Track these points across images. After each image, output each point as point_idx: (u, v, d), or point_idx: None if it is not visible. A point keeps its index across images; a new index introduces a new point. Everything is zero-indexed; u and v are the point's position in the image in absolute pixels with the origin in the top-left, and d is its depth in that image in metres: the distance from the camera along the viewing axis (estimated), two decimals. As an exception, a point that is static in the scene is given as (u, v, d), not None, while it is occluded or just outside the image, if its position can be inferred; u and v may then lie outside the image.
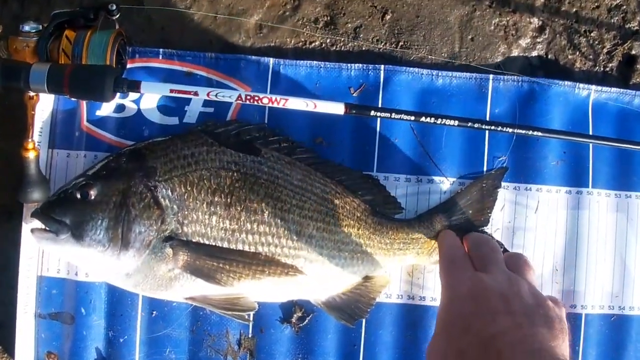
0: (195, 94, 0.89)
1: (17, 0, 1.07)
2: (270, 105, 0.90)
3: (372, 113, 0.90)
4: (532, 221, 1.04)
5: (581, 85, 1.06)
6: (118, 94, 0.94)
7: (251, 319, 1.00)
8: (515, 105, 1.05)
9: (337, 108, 0.90)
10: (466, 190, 1.02)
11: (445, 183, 1.03)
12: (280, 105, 0.90)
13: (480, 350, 0.73)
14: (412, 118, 0.90)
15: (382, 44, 1.06)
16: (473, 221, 1.02)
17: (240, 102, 0.91)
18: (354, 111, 0.90)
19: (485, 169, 1.04)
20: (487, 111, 1.05)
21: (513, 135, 1.03)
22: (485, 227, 1.03)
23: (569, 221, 1.05)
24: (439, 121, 0.91)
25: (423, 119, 0.91)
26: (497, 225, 1.04)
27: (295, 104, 0.90)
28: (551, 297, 0.84)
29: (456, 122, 0.91)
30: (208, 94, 0.90)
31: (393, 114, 0.90)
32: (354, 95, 1.03)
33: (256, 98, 0.89)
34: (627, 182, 1.07)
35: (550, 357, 0.71)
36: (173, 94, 0.90)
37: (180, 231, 0.92)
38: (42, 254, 1.03)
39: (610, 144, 1.00)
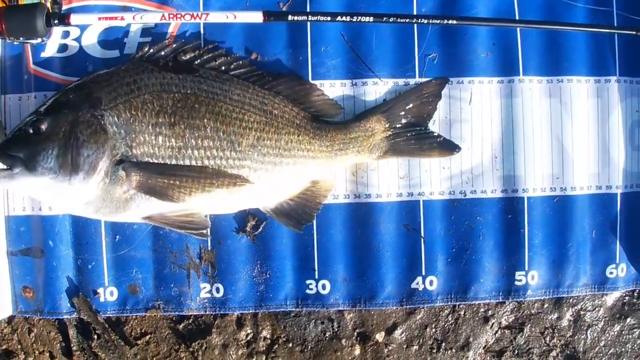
0: (122, 18, 1.01)
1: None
2: (192, 21, 1.01)
3: (290, 17, 1.00)
4: (467, 113, 1.15)
5: (506, -26, 1.15)
6: (53, 30, 1.04)
7: (209, 233, 1.11)
8: (441, 1, 1.14)
9: (255, 17, 1.01)
10: (406, 95, 1.13)
11: (379, 84, 1.14)
12: (202, 20, 1.01)
13: None
14: (329, 19, 1.00)
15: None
16: (411, 123, 1.12)
17: (164, 21, 1.02)
18: (272, 18, 1.00)
19: (417, 66, 1.14)
20: (414, 9, 1.14)
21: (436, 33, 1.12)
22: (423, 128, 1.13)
23: (504, 110, 1.16)
24: (355, 19, 1.01)
25: (340, 18, 1.01)
26: (433, 119, 1.14)
27: (216, 17, 1.01)
28: None
29: (371, 19, 1.00)
30: (133, 17, 1.01)
31: (310, 16, 1.00)
32: (283, 9, 1.13)
33: (178, 16, 1.00)
34: (558, 68, 1.17)
35: None
36: (102, 22, 1.01)
37: (130, 154, 1.03)
38: (6, 195, 1.15)
39: (537, 27, 1.10)
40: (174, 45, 1.09)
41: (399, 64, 1.14)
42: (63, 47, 1.13)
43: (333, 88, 1.13)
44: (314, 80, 1.13)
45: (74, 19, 1.00)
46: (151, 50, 1.09)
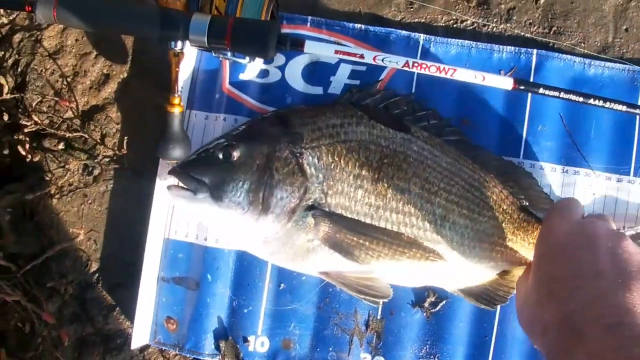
0: (361, 56, 0.95)
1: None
2: (438, 74, 0.95)
3: (541, 91, 0.95)
4: (681, 225, 1.07)
5: None
6: (276, 53, 0.98)
7: (392, 293, 1.03)
8: (670, 103, 1.08)
9: (505, 82, 0.95)
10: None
11: (591, 176, 1.07)
12: (449, 76, 0.95)
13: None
14: (581, 99, 0.94)
15: (535, 27, 1.11)
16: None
17: (407, 69, 0.96)
18: (523, 87, 0.95)
19: (633, 165, 1.07)
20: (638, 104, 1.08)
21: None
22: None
23: None
24: (607, 104, 0.95)
25: (592, 101, 0.94)
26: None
27: (464, 75, 0.95)
28: None
29: (624, 107, 0.95)
30: (374, 58, 0.95)
31: (562, 93, 0.94)
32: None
33: (424, 66, 0.94)
34: None
35: None
36: (338, 55, 0.95)
37: (323, 201, 0.97)
38: (171, 216, 1.09)
39: None
40: (385, 93, 1.04)
41: (615, 159, 1.08)
42: (264, 73, 1.09)
43: (542, 171, 1.07)
44: (524, 159, 1.07)
45: (309, 46, 0.95)
46: (360, 95, 1.03)
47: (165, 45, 0.99)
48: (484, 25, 1.11)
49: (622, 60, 1.09)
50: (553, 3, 1.11)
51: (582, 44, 1.11)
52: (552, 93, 0.94)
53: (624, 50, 1.12)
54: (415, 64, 0.94)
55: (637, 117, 1.07)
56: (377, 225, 0.98)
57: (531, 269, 0.86)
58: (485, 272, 1.03)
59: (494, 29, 1.11)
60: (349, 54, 0.94)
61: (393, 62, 0.94)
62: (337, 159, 0.98)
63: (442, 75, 0.94)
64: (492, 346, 1.07)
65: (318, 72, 1.08)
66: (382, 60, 0.94)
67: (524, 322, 0.84)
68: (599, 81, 1.08)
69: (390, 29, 1.08)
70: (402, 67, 0.94)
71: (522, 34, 1.10)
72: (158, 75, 1.10)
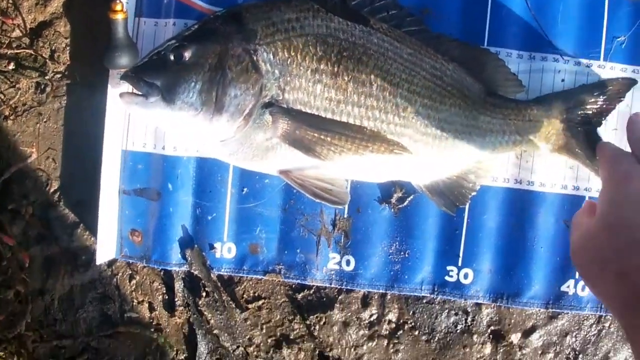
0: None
1: None
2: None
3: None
4: (651, 107, 1.08)
5: None
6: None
7: (348, 200, 1.05)
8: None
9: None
10: (589, 88, 1.06)
11: (560, 61, 1.07)
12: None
13: None
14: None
15: None
16: (589, 119, 1.05)
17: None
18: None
19: (602, 48, 1.07)
20: (611, -15, 1.07)
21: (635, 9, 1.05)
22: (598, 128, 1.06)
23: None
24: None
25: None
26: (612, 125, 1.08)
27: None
28: None
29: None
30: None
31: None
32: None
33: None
34: None
35: None
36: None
37: (281, 98, 0.97)
38: (127, 127, 1.09)
39: None
40: (344, -14, 1.02)
41: (583, 43, 1.07)
42: (213, -28, 1.07)
43: (509, 58, 1.06)
44: (489, 46, 1.06)
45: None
46: None
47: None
48: None
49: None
50: None
51: None
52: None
53: None
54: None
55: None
56: (338, 120, 0.98)
57: (598, 211, 0.84)
58: (455, 163, 1.04)
59: None
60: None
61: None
62: (293, 53, 0.97)
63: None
64: (463, 240, 1.09)
65: (269, -33, 1.06)
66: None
67: (585, 261, 0.81)
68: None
69: None
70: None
71: None
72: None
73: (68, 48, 1.15)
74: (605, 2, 1.07)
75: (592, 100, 1.05)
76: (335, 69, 0.98)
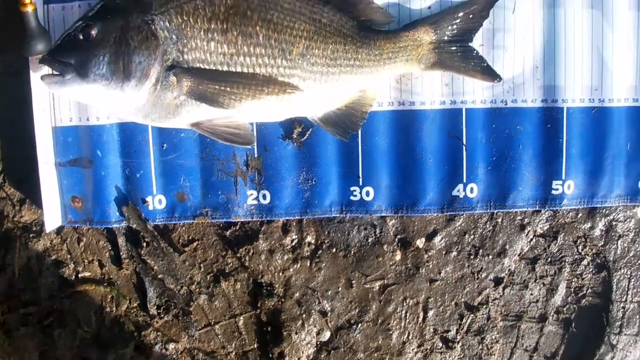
0: None
1: None
2: None
3: None
4: (510, 22, 1.26)
5: None
6: None
7: (255, 140, 1.22)
8: None
9: None
10: (454, 9, 1.22)
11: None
12: None
13: None
14: None
15: None
16: (457, 37, 1.22)
17: None
18: None
19: (463, -21, 1.23)
20: None
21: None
22: (469, 43, 1.23)
23: (546, 20, 1.26)
24: None
25: None
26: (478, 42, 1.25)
27: None
28: None
29: None
30: None
31: None
32: None
33: None
34: (600, -22, 1.26)
35: None
36: None
37: (181, 59, 1.13)
38: (53, 106, 1.25)
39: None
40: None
41: (446, -28, 1.24)
42: (107, -45, 1.21)
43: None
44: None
45: None
46: None
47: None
48: None
49: None
50: None
51: None
52: None
53: None
54: None
55: None
56: (234, 70, 1.14)
57: None
58: (342, 94, 1.21)
59: None
60: None
61: None
62: (186, 18, 1.13)
63: None
64: (360, 160, 1.27)
65: (156, -57, 1.21)
66: None
67: None
68: None
69: None
70: None
71: None
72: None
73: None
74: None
75: (459, 19, 1.21)
76: (225, 26, 1.13)
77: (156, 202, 1.27)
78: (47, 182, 1.26)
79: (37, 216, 1.32)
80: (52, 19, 1.24)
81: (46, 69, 1.16)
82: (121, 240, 1.31)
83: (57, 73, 1.12)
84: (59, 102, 1.25)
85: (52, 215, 1.27)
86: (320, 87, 1.18)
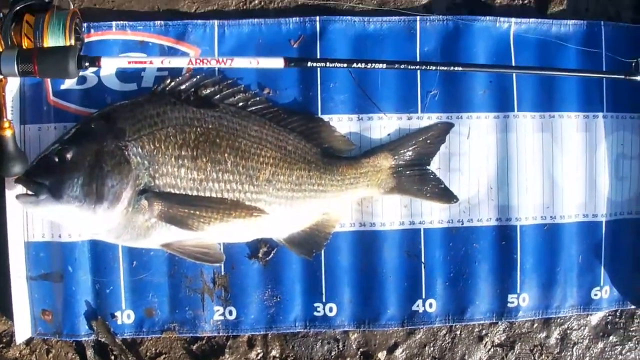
0: (151, 62, 1.17)
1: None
2: (218, 66, 1.18)
3: (309, 64, 1.19)
4: (465, 146, 1.34)
5: (502, 18, 1.35)
6: (79, 73, 1.18)
7: (224, 259, 1.27)
8: (442, 43, 1.32)
9: (277, 62, 1.19)
10: (412, 136, 1.32)
11: (384, 119, 1.32)
12: (227, 65, 1.19)
13: None
14: (345, 65, 1.20)
15: (315, -5, 1.33)
16: (415, 161, 1.31)
17: (192, 65, 1.17)
18: (293, 64, 1.19)
19: (419, 103, 1.32)
20: (417, 51, 1.33)
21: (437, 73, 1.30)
22: (427, 166, 1.32)
23: (499, 143, 1.35)
24: (369, 66, 1.20)
25: (355, 65, 1.19)
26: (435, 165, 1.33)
27: (240, 62, 1.18)
28: None
29: (384, 65, 1.20)
30: (162, 61, 1.17)
31: (327, 62, 1.19)
32: (294, 47, 1.31)
33: (205, 61, 1.17)
34: (550, 104, 1.37)
35: None
36: (131, 65, 1.16)
37: (153, 184, 1.19)
38: (27, 222, 1.30)
39: (531, 72, 1.29)
40: (194, 80, 1.24)
41: (403, 101, 1.33)
42: (82, 80, 1.29)
43: (340, 122, 1.31)
44: (323, 115, 1.31)
45: (105, 62, 1.16)
46: (172, 84, 1.24)
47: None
48: (270, 2, 1.33)
49: (398, 10, 1.33)
50: (329, -27, 1.33)
51: (360, 5, 1.33)
52: (319, 64, 1.20)
53: (399, 4, 1.35)
54: (198, 61, 1.17)
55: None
56: (203, 195, 1.20)
57: None
58: (306, 217, 1.28)
59: (280, 4, 1.33)
60: (140, 62, 1.17)
61: (178, 63, 1.18)
62: (158, 145, 1.19)
63: (222, 65, 1.19)
64: (324, 279, 1.33)
65: (129, 70, 1.28)
66: (169, 62, 1.17)
67: None
68: (379, 34, 1.32)
69: (186, 20, 1.30)
70: (187, 65, 1.18)
71: (305, 2, 1.33)
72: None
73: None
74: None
75: (417, 144, 1.30)
76: (195, 153, 1.20)
77: (125, 316, 1.31)
78: (18, 294, 1.29)
79: (8, 327, 1.35)
80: (28, 139, 1.29)
81: (21, 188, 1.21)
82: (90, 353, 1.34)
83: (31, 193, 1.17)
84: (32, 218, 1.30)
85: (23, 327, 1.30)
86: (285, 210, 1.25)
